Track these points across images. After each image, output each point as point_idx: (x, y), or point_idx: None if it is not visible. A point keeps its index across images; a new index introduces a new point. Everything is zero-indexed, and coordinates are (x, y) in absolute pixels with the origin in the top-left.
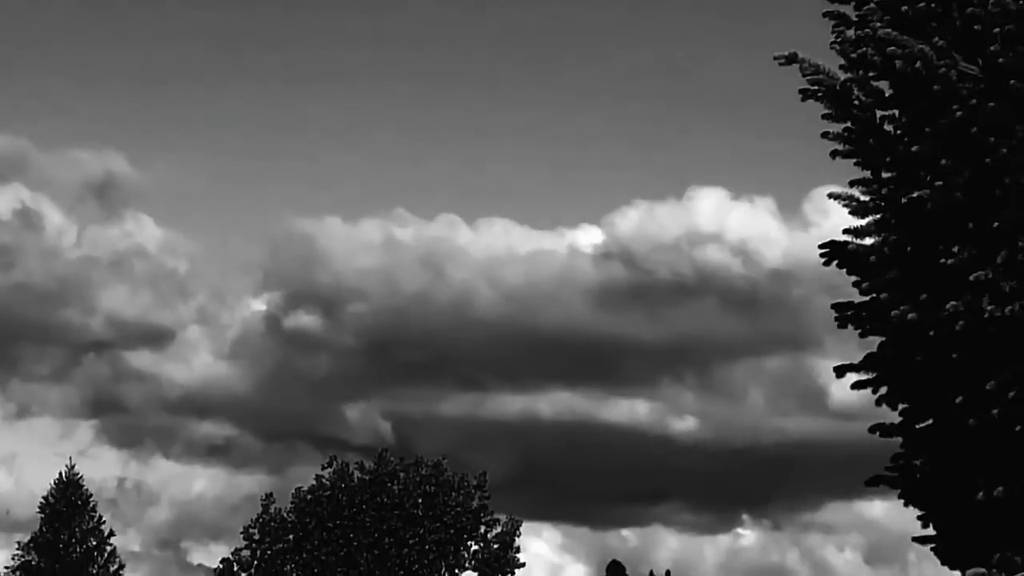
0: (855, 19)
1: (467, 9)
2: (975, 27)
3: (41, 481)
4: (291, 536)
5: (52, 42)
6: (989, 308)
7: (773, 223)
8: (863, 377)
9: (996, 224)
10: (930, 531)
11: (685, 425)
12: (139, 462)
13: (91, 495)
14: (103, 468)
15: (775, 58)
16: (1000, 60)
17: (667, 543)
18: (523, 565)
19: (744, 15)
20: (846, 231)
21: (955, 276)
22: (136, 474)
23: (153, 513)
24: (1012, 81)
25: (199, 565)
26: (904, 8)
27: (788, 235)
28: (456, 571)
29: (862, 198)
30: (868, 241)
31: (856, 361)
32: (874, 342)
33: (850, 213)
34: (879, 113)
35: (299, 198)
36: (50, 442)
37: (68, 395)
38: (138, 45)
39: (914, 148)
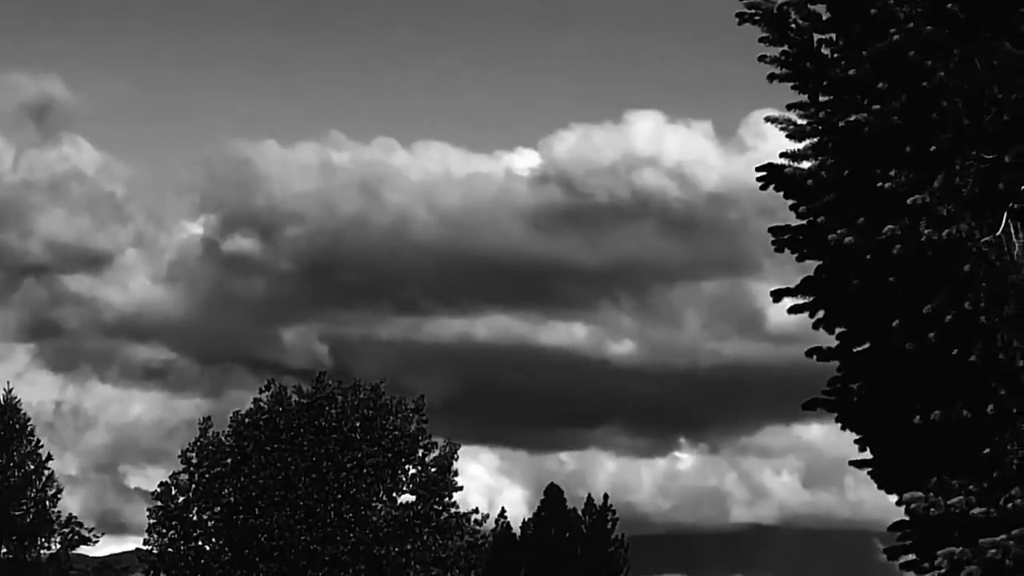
0: None
1: None
2: None
3: None
4: (229, 460)
5: None
6: (926, 232)
7: (710, 147)
8: (800, 301)
9: (933, 148)
10: (867, 455)
11: (622, 348)
12: (76, 386)
13: (29, 419)
14: (40, 392)
15: None
16: None
17: (605, 466)
18: (461, 488)
19: None
20: (783, 155)
21: (892, 200)
22: (73, 398)
23: (90, 437)
24: (949, 5)
25: (136, 489)
26: None
27: (725, 159)
28: (394, 494)
29: (799, 122)
30: (805, 165)
31: (793, 285)
32: (811, 266)
33: (787, 137)
34: (816, 37)
35: (236, 121)
36: None
37: (4, 319)
38: None
39: (851, 72)
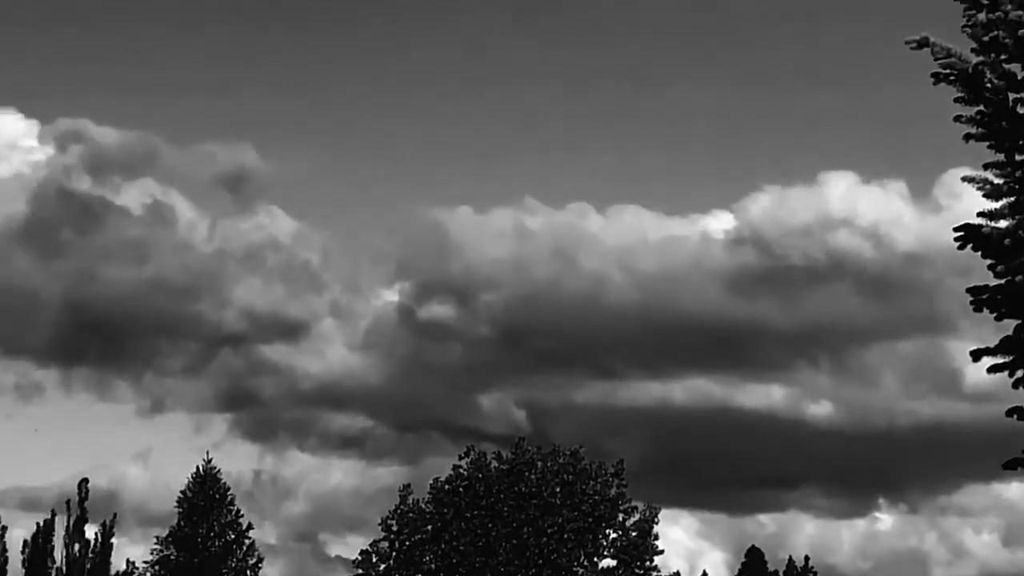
0: (986, 2)
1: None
2: None
3: (177, 475)
4: (429, 527)
5: (180, 37)
6: None
7: (905, 207)
8: (999, 360)
9: None
10: None
11: (820, 409)
12: (274, 455)
13: (229, 489)
14: (238, 462)
15: (906, 42)
16: None
17: (804, 528)
18: (662, 552)
19: None
20: (980, 214)
21: None
22: (271, 467)
23: (290, 506)
24: None
25: (337, 557)
26: None
27: (920, 218)
28: (595, 559)
29: (996, 181)
30: (1002, 224)
31: (992, 344)
32: (1010, 325)
33: (984, 196)
34: (1012, 96)
35: (429, 188)
36: (185, 436)
37: (201, 389)
38: (266, 37)
39: None
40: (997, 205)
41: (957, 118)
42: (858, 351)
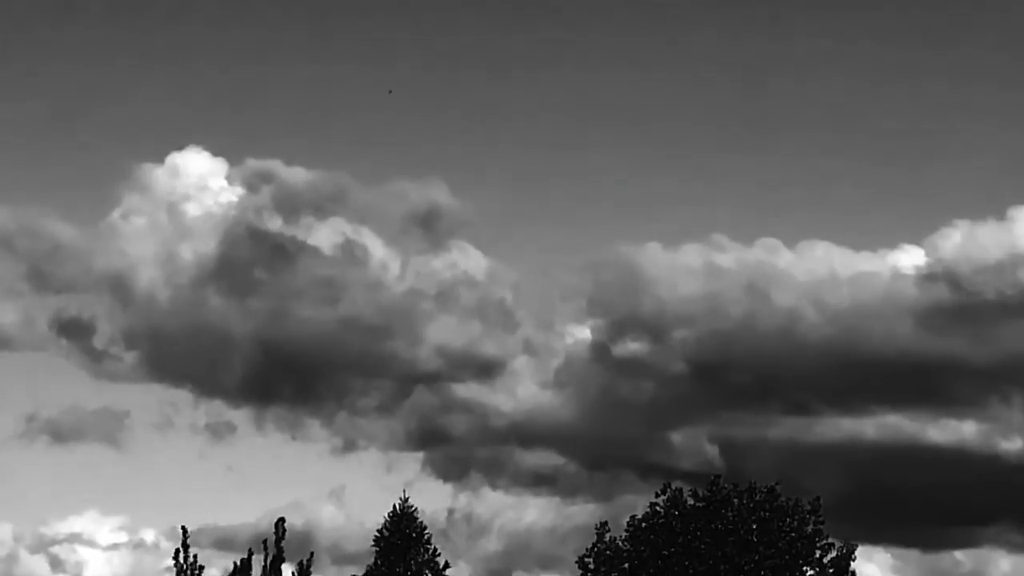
0: None
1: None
2: None
3: (371, 514)
4: (626, 564)
5: (368, 74)
6: None
7: None
8: None
9: None
10: None
11: (1013, 445)
12: (467, 493)
13: (425, 528)
14: (431, 500)
15: None
16: None
17: (1000, 565)
18: None
19: None
20: None
21: None
22: (465, 505)
23: (484, 544)
24: None
25: None
26: None
27: None
28: None
29: None
30: None
31: None
32: None
33: None
34: None
35: (619, 224)
36: (376, 475)
37: (393, 428)
38: (454, 74)
39: None
40: None
41: None
42: None
